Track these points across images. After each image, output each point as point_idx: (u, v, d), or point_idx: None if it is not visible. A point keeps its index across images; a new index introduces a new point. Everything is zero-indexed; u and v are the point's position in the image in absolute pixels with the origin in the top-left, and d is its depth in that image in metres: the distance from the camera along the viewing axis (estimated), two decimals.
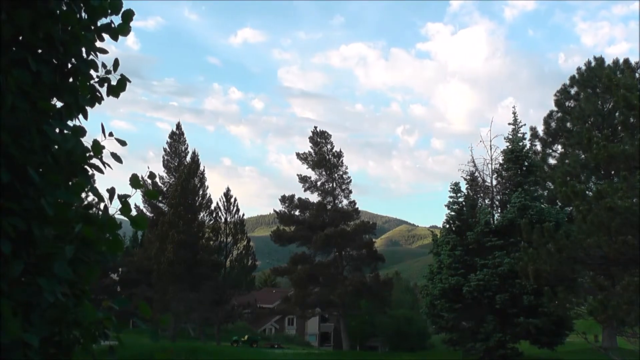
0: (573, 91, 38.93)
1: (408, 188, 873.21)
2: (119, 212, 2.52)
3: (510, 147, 30.85)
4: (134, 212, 2.54)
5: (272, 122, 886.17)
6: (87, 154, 2.49)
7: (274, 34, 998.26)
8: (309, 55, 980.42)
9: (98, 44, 2.65)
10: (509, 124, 31.58)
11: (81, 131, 2.50)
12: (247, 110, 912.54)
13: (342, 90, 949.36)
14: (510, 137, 31.37)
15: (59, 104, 2.53)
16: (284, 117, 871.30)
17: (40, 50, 2.43)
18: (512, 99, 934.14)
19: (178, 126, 55.44)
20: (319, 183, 47.24)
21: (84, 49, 2.57)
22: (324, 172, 47.25)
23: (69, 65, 2.56)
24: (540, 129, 39.65)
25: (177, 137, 54.96)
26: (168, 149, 54.40)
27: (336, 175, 47.20)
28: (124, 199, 2.50)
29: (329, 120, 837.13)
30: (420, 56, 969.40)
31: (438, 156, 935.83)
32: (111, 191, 2.48)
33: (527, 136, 33.61)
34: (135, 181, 2.56)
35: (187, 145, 54.49)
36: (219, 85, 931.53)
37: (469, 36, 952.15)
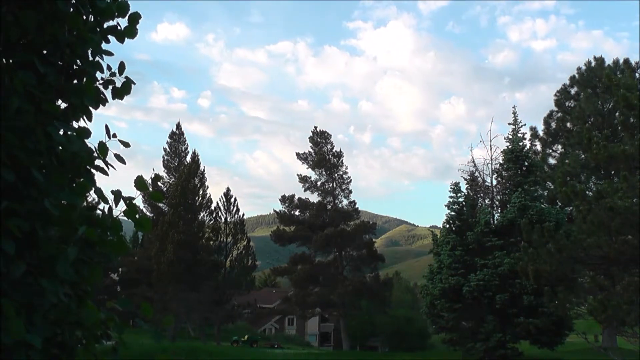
0: (573, 91, 38.97)
1: (379, 187, 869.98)
2: (122, 215, 2.51)
3: (510, 147, 30.86)
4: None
5: (224, 120, 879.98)
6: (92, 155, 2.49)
7: (193, 30, 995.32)
8: (236, 53, 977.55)
9: (103, 46, 2.65)
10: (509, 124, 31.67)
11: (86, 133, 2.50)
12: (196, 109, 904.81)
13: (280, 88, 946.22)
14: (510, 137, 31.39)
15: (62, 106, 2.53)
16: (233, 116, 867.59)
17: (45, 52, 2.43)
18: (455, 97, 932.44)
19: (178, 126, 55.49)
20: (319, 183, 47.24)
21: (89, 51, 2.57)
22: (324, 172, 47.24)
23: (75, 67, 2.56)
24: (540, 129, 39.74)
25: (177, 137, 54.97)
26: (168, 149, 54.40)
27: (336, 175, 47.18)
28: (129, 201, 2.49)
29: (279, 119, 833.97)
30: (348, 52, 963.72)
31: (398, 154, 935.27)
32: (117, 193, 2.48)
33: (527, 136, 33.71)
34: (141, 183, 2.56)
35: (187, 145, 54.58)
36: (159, 84, 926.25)
37: (392, 31, 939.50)
